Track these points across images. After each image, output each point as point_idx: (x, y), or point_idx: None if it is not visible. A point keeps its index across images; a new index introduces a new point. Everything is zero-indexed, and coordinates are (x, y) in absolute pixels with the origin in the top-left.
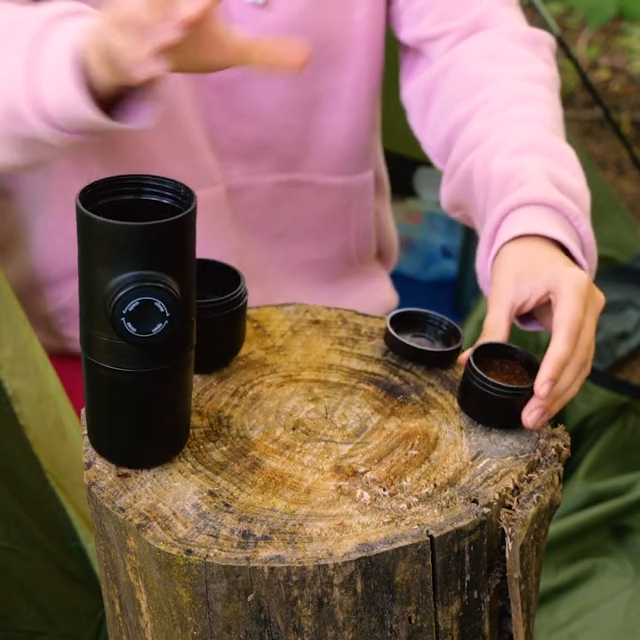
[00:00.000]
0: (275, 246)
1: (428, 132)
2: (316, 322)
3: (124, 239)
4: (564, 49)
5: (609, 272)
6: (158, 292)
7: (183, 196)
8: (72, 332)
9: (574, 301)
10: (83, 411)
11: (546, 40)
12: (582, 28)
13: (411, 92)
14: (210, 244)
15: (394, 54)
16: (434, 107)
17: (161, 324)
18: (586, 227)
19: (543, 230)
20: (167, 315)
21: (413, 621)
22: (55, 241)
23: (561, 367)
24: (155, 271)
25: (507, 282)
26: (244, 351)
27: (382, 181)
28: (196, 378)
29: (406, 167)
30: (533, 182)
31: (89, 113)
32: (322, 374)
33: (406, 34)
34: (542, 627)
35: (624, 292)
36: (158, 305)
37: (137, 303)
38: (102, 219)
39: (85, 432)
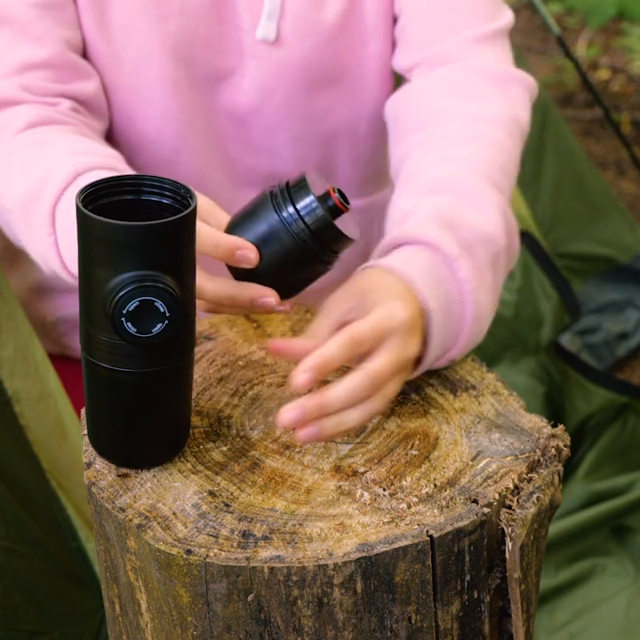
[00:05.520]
0: None
1: (390, 154)
2: None
3: (124, 239)
4: (563, 49)
5: (609, 272)
6: (158, 291)
7: (183, 196)
8: (72, 341)
9: (370, 322)
10: (83, 410)
11: (521, 80)
12: (582, 28)
13: (387, 114)
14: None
15: None
16: (394, 132)
17: (161, 324)
18: (466, 271)
19: (392, 264)
20: (167, 315)
21: (413, 621)
22: None
23: (324, 362)
24: (155, 271)
25: (341, 296)
26: (244, 351)
27: None
28: (197, 378)
29: None
30: (416, 221)
31: None
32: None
33: (395, 65)
34: (542, 627)
35: (624, 292)
36: (158, 305)
37: (137, 303)
38: (102, 218)
39: (85, 432)
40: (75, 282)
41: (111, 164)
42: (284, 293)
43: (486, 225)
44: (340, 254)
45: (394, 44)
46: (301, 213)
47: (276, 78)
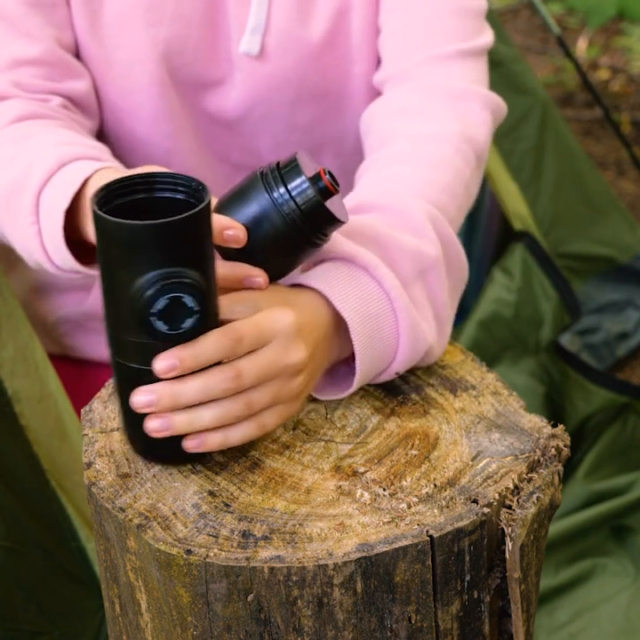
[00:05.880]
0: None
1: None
2: None
3: (146, 238)
4: (563, 49)
5: (609, 272)
6: (185, 287)
7: (196, 190)
8: (73, 341)
9: (253, 319)
10: (83, 410)
11: (480, 98)
12: (582, 28)
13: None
14: None
15: None
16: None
17: (190, 319)
18: (389, 279)
19: (299, 278)
20: (196, 309)
21: (413, 621)
22: None
23: (200, 357)
24: (179, 267)
25: (234, 297)
26: None
27: None
28: None
29: None
30: (334, 238)
31: (77, 266)
32: None
33: (374, 80)
34: (542, 627)
35: (624, 291)
36: (186, 300)
37: (165, 301)
38: (119, 220)
39: (85, 432)
40: (58, 273)
41: (96, 155)
42: (273, 274)
43: (411, 241)
44: (329, 236)
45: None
46: (292, 194)
47: (260, 90)
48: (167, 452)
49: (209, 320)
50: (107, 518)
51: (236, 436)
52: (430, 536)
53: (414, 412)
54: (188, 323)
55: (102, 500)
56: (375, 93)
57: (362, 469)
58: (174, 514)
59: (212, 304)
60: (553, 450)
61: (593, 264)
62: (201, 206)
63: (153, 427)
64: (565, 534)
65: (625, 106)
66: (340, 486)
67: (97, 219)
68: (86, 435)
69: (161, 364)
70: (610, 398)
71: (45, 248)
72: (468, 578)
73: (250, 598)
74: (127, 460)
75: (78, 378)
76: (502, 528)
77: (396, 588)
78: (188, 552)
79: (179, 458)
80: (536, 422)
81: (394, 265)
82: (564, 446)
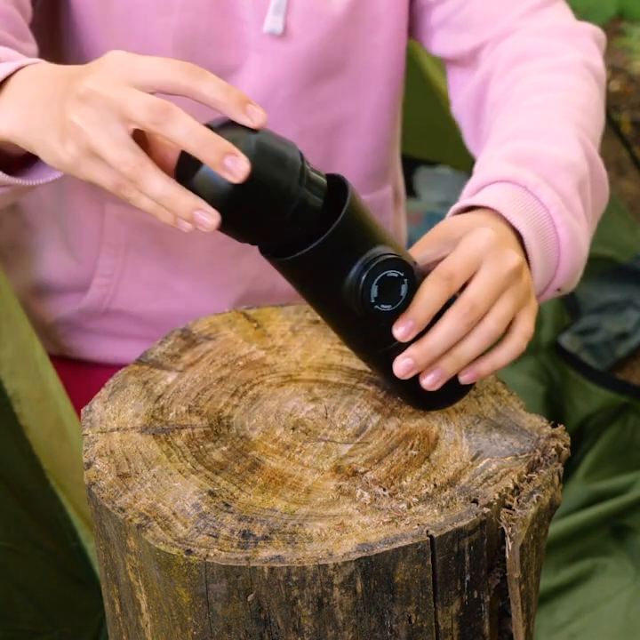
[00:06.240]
0: None
1: (482, 147)
2: (317, 322)
3: (330, 248)
4: None
5: (609, 272)
6: (382, 265)
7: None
8: (71, 342)
9: (455, 253)
10: (83, 410)
11: (588, 31)
12: None
13: (459, 107)
14: (226, 270)
15: None
16: (483, 120)
17: (403, 286)
18: (548, 196)
19: (472, 201)
20: (402, 276)
21: (413, 621)
22: (60, 257)
23: (426, 308)
24: (366, 253)
25: (420, 245)
26: (244, 351)
27: (399, 193)
28: (197, 378)
29: (407, 166)
30: (490, 165)
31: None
32: (322, 374)
33: (444, 50)
34: (542, 627)
35: (624, 291)
36: (391, 274)
37: (376, 286)
38: (308, 249)
39: (85, 432)
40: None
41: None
42: (234, 226)
43: (565, 154)
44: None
45: (411, 31)
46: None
47: (282, 71)
48: (455, 392)
49: (415, 279)
50: (107, 518)
51: (505, 352)
52: (430, 536)
53: (414, 412)
54: (403, 290)
55: (102, 500)
56: (395, 64)
57: (362, 469)
58: (174, 514)
59: (410, 263)
60: (553, 450)
61: (593, 264)
62: (351, 193)
63: (430, 382)
64: (565, 534)
65: (625, 106)
66: (340, 486)
67: (288, 264)
68: (86, 435)
69: (400, 330)
70: (610, 398)
71: None
72: (467, 578)
73: (250, 598)
74: (127, 459)
75: (77, 379)
76: (502, 528)
77: (396, 588)
78: (188, 552)
79: (466, 390)
80: (536, 422)
81: (553, 180)
82: (564, 446)
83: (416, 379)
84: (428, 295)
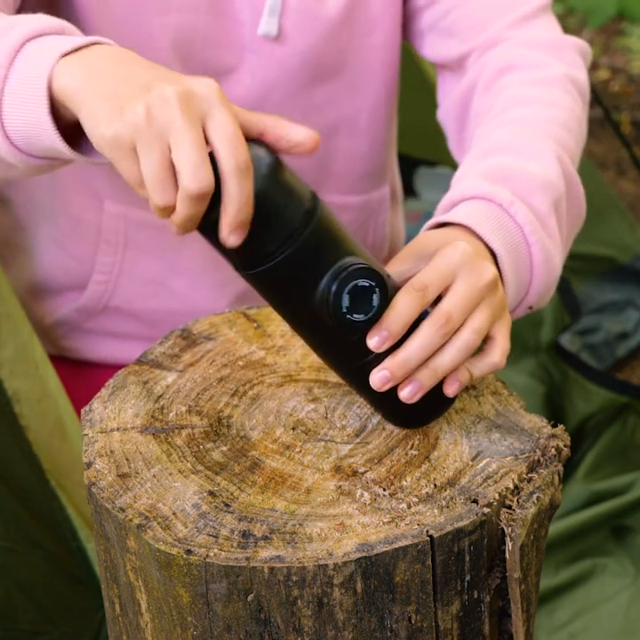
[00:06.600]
0: None
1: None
2: None
3: (299, 259)
4: None
5: (609, 272)
6: (353, 274)
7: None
8: (70, 343)
9: (430, 266)
10: (83, 410)
11: (573, 44)
12: (582, 28)
13: (445, 112)
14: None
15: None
16: (467, 129)
17: (375, 296)
18: (523, 214)
19: (446, 217)
20: (373, 285)
21: (413, 621)
22: (56, 255)
23: (399, 319)
24: (336, 263)
25: (396, 260)
26: (244, 351)
27: (397, 192)
28: (197, 378)
29: (406, 166)
30: (467, 181)
31: (57, 142)
32: (322, 374)
33: (433, 55)
34: (542, 627)
35: (624, 291)
36: (362, 283)
37: (348, 295)
38: (276, 260)
39: (85, 432)
40: (12, 154)
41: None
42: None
43: (542, 172)
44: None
45: (404, 34)
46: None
47: (278, 73)
48: (434, 408)
49: (388, 289)
50: (107, 518)
51: (482, 366)
52: (430, 536)
53: None
54: (375, 300)
55: (102, 500)
56: (390, 65)
57: (362, 469)
58: (174, 514)
59: (382, 273)
60: (553, 450)
61: (593, 264)
62: (320, 206)
63: (408, 395)
64: (565, 534)
65: (625, 106)
66: (340, 486)
67: (257, 276)
68: (86, 435)
69: (374, 340)
70: (610, 398)
71: (2, 110)
72: (468, 578)
73: (250, 598)
74: (127, 459)
75: (77, 379)
76: (502, 528)
77: (396, 588)
78: (188, 552)
79: (446, 406)
80: (536, 422)
81: (528, 199)
82: (564, 446)
83: (394, 393)
84: (401, 306)
